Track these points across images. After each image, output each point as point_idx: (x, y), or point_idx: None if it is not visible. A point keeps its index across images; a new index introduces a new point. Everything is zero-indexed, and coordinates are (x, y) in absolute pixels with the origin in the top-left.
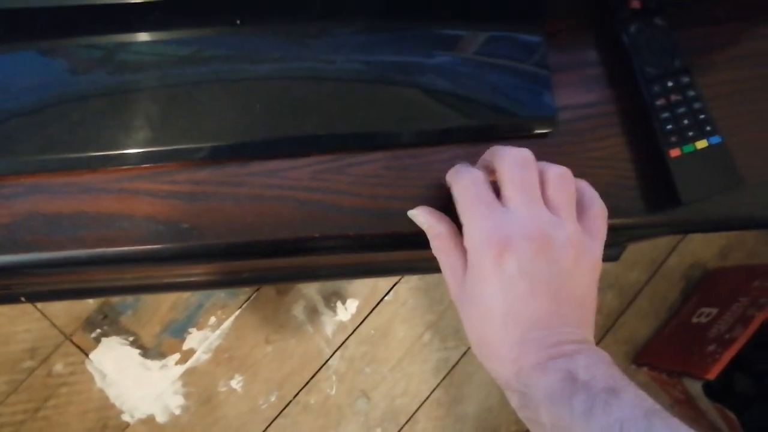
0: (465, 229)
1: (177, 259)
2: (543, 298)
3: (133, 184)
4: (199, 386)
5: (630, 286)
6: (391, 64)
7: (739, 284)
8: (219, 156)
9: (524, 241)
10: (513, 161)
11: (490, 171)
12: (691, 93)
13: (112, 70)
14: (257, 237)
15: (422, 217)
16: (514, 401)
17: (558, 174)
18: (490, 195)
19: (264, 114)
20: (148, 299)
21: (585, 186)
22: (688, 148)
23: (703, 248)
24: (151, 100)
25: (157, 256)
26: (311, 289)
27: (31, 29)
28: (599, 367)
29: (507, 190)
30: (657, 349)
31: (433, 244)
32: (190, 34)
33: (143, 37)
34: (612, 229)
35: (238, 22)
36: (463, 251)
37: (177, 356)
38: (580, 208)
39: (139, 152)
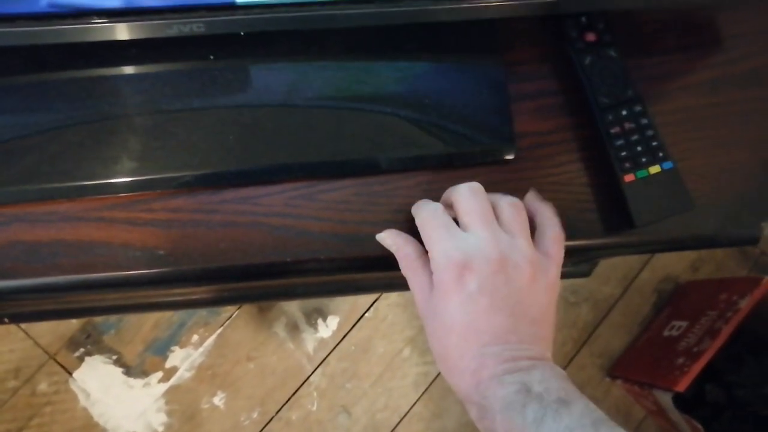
0: (430, 252)
1: (154, 284)
2: (501, 314)
3: (110, 213)
4: (182, 404)
5: (604, 300)
6: (359, 96)
7: (708, 297)
8: (194, 185)
9: (484, 260)
10: (465, 193)
11: (449, 207)
12: (644, 121)
13: (90, 104)
14: (231, 262)
15: (390, 239)
16: (473, 413)
17: (510, 202)
18: (449, 221)
19: (238, 144)
20: (131, 318)
21: (547, 210)
22: (641, 174)
23: (674, 262)
24: (128, 132)
25: (135, 281)
26: (293, 307)
27: (9, 64)
28: (553, 382)
29: (464, 217)
30: (630, 362)
31: (401, 264)
32: (165, 68)
33: (120, 71)
34: (571, 250)
35: (212, 57)
36: (430, 271)
37: (160, 374)
38: (539, 232)
39: (116, 182)
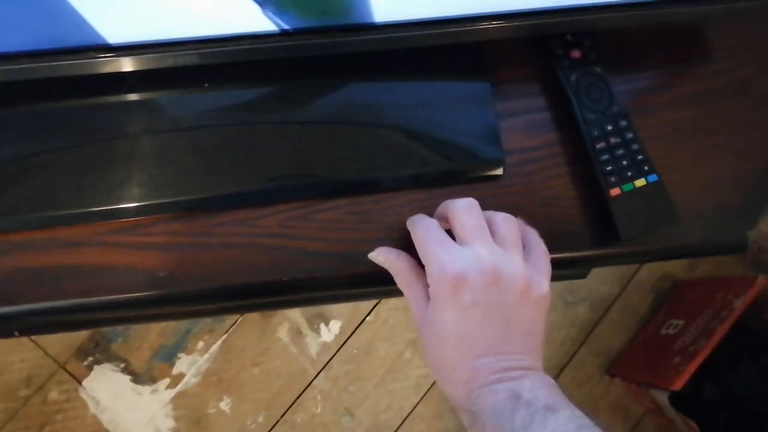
0: (426, 266)
1: (155, 304)
2: (494, 325)
3: (112, 237)
4: (189, 409)
5: (602, 300)
6: (350, 118)
7: (704, 296)
8: (192, 209)
9: (478, 273)
10: (461, 208)
11: (444, 221)
12: (629, 135)
13: (88, 133)
14: (229, 282)
15: (382, 257)
16: (465, 420)
17: (504, 218)
18: (444, 236)
19: (233, 168)
20: (138, 327)
21: (530, 231)
22: (627, 187)
23: (672, 261)
24: (126, 159)
25: (137, 302)
26: (295, 312)
27: (7, 94)
28: (542, 390)
29: (460, 231)
30: (628, 361)
31: (396, 279)
32: (161, 95)
33: (116, 99)
34: (560, 262)
35: (206, 84)
36: (424, 283)
37: (167, 380)
38: (526, 250)
39: (116, 208)
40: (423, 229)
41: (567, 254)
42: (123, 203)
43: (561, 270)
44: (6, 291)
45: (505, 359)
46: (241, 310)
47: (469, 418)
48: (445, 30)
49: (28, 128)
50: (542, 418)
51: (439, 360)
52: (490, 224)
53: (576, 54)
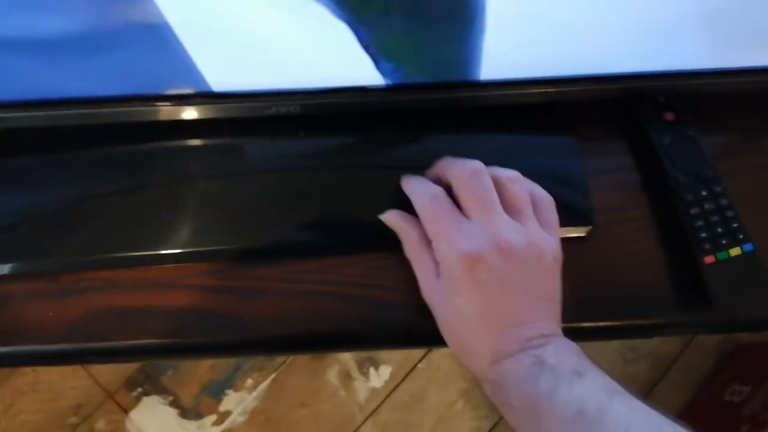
0: (435, 244)
1: (237, 350)
2: (515, 298)
3: (198, 280)
4: None
5: (663, 358)
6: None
7: None
8: (278, 255)
9: (494, 251)
10: (469, 175)
11: (441, 180)
12: (724, 201)
13: (179, 178)
14: (312, 331)
15: (393, 220)
16: (488, 389)
17: (510, 177)
18: (453, 209)
19: (321, 216)
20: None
21: (529, 181)
22: (722, 255)
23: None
24: (218, 205)
25: (220, 347)
26: (345, 354)
27: (99, 138)
28: (566, 354)
29: (468, 202)
30: (690, 424)
31: (405, 247)
32: (255, 142)
33: (208, 143)
34: (645, 328)
35: (302, 133)
36: (434, 256)
37: (214, 417)
38: (533, 205)
39: (204, 251)
40: (428, 200)
41: (656, 320)
42: (211, 246)
43: (633, 332)
44: (95, 328)
45: (528, 328)
46: (298, 351)
47: (492, 387)
48: (545, 90)
49: (120, 170)
50: (568, 382)
51: (460, 338)
52: (496, 186)
53: (669, 116)
